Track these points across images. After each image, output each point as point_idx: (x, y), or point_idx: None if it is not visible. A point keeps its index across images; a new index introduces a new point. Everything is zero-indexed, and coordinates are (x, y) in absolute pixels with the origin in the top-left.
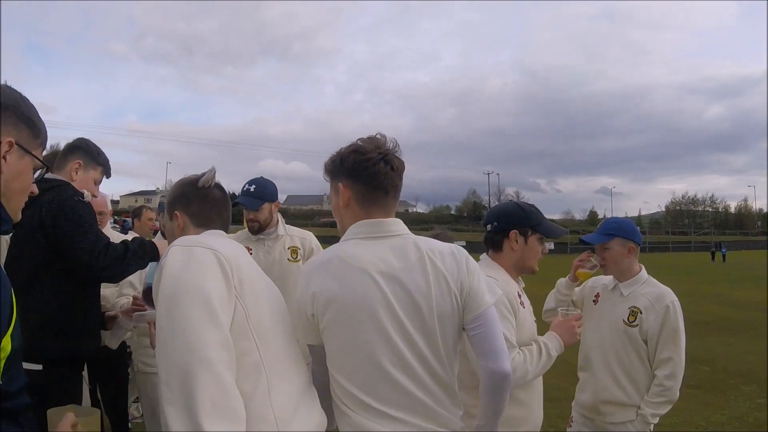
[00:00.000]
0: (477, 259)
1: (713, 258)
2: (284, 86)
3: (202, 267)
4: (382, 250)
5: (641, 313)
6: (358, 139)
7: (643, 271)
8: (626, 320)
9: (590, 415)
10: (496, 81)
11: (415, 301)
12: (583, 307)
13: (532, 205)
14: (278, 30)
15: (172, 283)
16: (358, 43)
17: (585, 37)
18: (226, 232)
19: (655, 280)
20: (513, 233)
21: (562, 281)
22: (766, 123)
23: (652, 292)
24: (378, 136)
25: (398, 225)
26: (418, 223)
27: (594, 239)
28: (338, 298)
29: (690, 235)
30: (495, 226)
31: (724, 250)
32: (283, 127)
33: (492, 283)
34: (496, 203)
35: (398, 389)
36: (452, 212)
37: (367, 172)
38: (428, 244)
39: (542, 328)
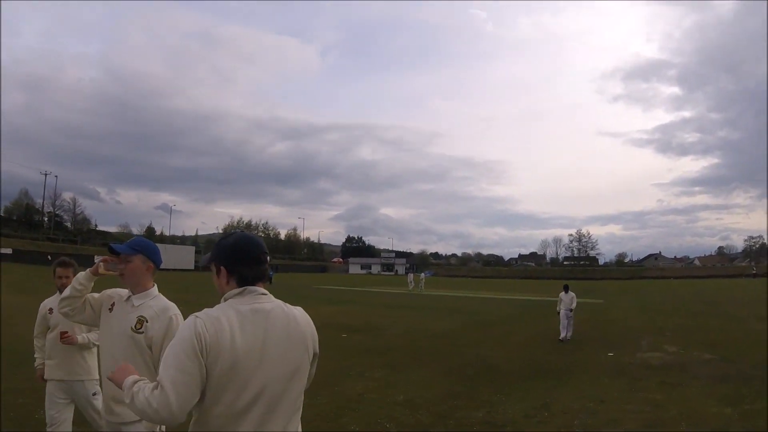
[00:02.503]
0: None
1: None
2: None
3: None
4: None
5: (147, 321)
6: None
7: (155, 288)
8: (133, 327)
9: (106, 416)
10: (75, 73)
11: None
12: (101, 313)
13: None
14: None
15: None
16: None
17: (177, 51)
18: None
19: (163, 297)
20: None
21: (82, 273)
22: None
23: (159, 305)
24: None
25: None
26: None
27: (122, 249)
28: None
29: None
30: None
31: (271, 273)
32: None
33: None
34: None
35: None
36: (0, 214)
37: None
38: None
39: None
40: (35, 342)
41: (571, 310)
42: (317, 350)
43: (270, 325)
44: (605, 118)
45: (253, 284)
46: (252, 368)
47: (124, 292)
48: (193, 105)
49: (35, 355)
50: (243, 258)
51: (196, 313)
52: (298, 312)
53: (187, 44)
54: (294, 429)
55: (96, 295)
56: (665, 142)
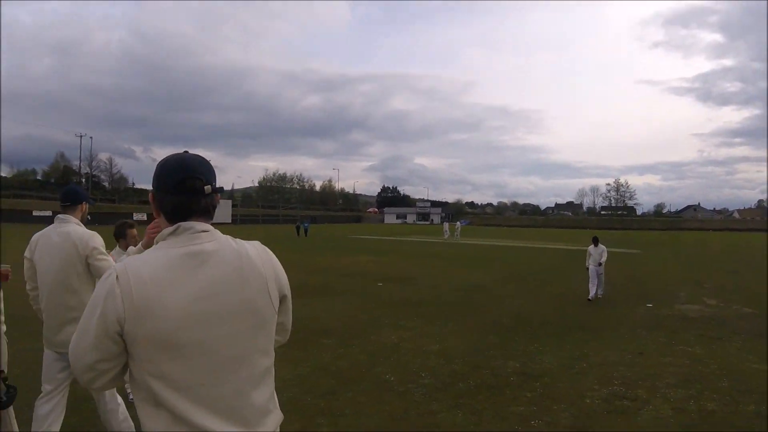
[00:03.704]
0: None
1: (298, 232)
2: None
3: None
4: None
5: None
6: None
7: None
8: None
9: None
10: (102, 35)
11: None
12: None
13: None
14: None
15: None
16: None
17: (202, 9)
18: None
19: None
20: None
21: (133, 249)
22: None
23: None
24: None
25: None
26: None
27: None
28: None
29: (278, 209)
30: None
31: (306, 225)
32: None
33: None
34: (88, 170)
35: None
36: (38, 177)
37: None
38: None
39: None
40: None
41: (600, 264)
42: (286, 291)
43: (213, 271)
44: (644, 66)
45: (184, 220)
46: (196, 329)
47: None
48: (222, 62)
49: None
50: (167, 184)
51: (116, 264)
52: (253, 248)
53: (214, 3)
54: (266, 395)
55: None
56: (705, 91)
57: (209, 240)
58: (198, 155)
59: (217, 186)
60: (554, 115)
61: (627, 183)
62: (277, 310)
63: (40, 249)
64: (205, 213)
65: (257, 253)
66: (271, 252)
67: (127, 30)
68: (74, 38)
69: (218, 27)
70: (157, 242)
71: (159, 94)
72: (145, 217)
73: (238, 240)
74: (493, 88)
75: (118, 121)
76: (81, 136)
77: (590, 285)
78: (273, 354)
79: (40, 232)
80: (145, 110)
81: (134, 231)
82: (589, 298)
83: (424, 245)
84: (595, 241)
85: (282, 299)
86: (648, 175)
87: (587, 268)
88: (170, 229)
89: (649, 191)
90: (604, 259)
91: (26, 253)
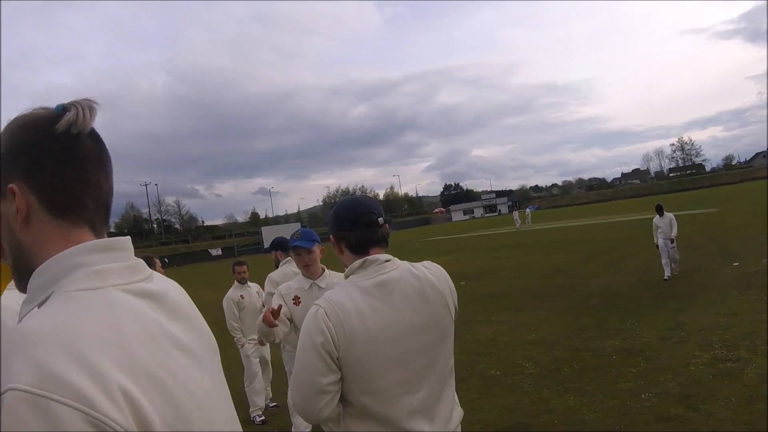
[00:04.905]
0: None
1: None
2: None
3: None
4: None
5: None
6: None
7: (326, 269)
8: None
9: None
10: (145, 82)
11: None
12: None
13: None
14: None
15: None
16: None
17: (235, 39)
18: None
19: (335, 272)
20: None
21: (260, 326)
22: None
23: (340, 278)
24: None
25: None
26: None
27: (308, 245)
28: None
29: None
30: None
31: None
32: None
33: None
34: (158, 215)
35: None
36: (112, 230)
37: None
38: None
39: None
40: (232, 326)
41: (672, 241)
42: (456, 303)
43: (401, 296)
44: (685, 15)
45: (367, 251)
46: (394, 347)
47: (291, 287)
48: (265, 87)
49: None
50: (346, 222)
51: (317, 301)
52: (429, 269)
53: (244, 30)
54: (451, 392)
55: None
56: (754, 29)
57: (393, 268)
58: (364, 195)
59: (384, 218)
60: (604, 82)
61: (691, 140)
62: (454, 319)
63: None
64: (382, 242)
65: (433, 273)
66: (443, 269)
67: (166, 72)
68: (119, 90)
69: (253, 53)
70: (347, 276)
71: (210, 129)
72: (220, 252)
73: (415, 264)
74: (537, 66)
75: (176, 163)
76: (146, 185)
77: (663, 263)
78: (453, 356)
79: None
80: (200, 148)
81: (243, 267)
82: (665, 277)
83: (497, 237)
84: (659, 210)
85: (455, 310)
86: (711, 127)
87: (657, 245)
88: (358, 262)
89: (714, 144)
90: (674, 232)
91: None
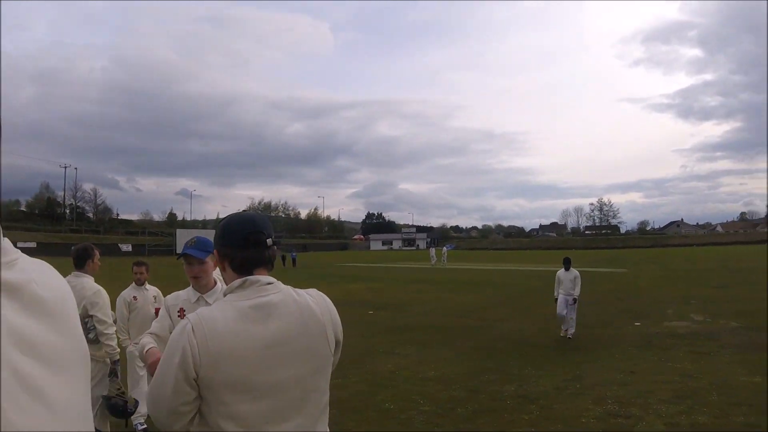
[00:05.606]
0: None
1: (284, 262)
2: None
3: None
4: None
5: None
6: None
7: (218, 283)
8: None
9: None
10: (84, 64)
11: None
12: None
13: None
14: None
15: None
16: None
17: (188, 36)
18: None
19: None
20: None
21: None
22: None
23: None
24: None
25: None
26: None
27: (200, 255)
28: None
29: None
30: None
31: (293, 254)
32: None
33: None
34: (72, 201)
35: None
36: (22, 208)
37: None
38: None
39: None
40: (119, 326)
41: (574, 300)
42: (340, 337)
43: (279, 322)
44: (625, 84)
45: (250, 272)
46: (265, 374)
47: (179, 297)
48: (207, 89)
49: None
50: (234, 239)
51: (189, 315)
52: (313, 298)
53: (197, 29)
54: (322, 429)
55: (155, 328)
56: (686, 106)
57: (274, 291)
58: (258, 213)
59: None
60: (539, 137)
61: (610, 202)
62: (333, 353)
63: None
64: (268, 263)
65: (316, 302)
66: (328, 299)
67: (108, 58)
68: (57, 67)
69: (201, 53)
70: (225, 294)
71: (142, 122)
72: (130, 248)
73: (298, 290)
74: (478, 111)
75: (101, 150)
76: (65, 167)
77: (558, 317)
78: (329, 391)
79: None
80: (129, 139)
81: (141, 268)
82: (561, 334)
83: (412, 271)
84: (567, 263)
85: (336, 344)
86: (631, 192)
87: (556, 299)
88: (238, 282)
89: (632, 209)
90: (577, 291)
91: None
